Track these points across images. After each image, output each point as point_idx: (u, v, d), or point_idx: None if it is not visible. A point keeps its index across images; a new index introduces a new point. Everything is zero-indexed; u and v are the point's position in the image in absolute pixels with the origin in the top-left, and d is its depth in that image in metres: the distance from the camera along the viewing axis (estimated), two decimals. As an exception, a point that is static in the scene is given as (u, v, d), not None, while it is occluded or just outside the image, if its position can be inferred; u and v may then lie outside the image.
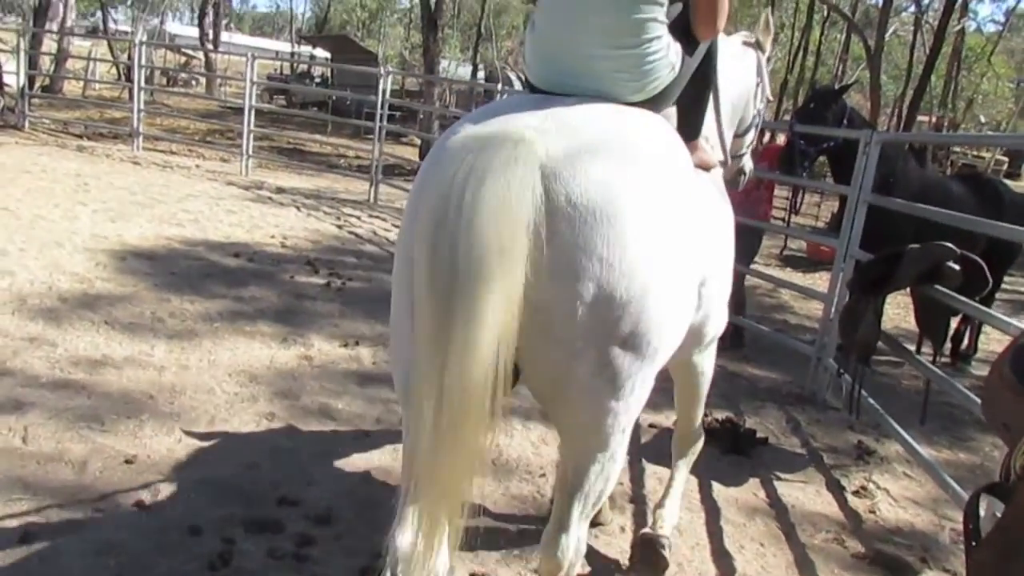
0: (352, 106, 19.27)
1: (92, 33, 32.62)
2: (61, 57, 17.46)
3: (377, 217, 9.14)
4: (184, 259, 5.96)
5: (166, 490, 2.85)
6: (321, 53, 29.76)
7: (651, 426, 4.01)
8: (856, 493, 3.63)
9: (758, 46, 2.98)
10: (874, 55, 19.81)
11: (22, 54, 12.88)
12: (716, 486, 3.46)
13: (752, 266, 6.08)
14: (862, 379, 3.61)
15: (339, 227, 8.22)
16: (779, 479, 3.65)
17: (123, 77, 19.56)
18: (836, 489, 3.64)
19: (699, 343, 2.39)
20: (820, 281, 8.35)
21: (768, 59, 3.09)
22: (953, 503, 3.23)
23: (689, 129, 2.28)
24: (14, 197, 7.09)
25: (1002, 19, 38.13)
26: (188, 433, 3.30)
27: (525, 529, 2.89)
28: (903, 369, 5.45)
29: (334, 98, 21.05)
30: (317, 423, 3.59)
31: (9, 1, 36.33)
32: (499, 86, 10.49)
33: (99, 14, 34.59)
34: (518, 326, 1.45)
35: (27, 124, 12.64)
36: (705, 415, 3.90)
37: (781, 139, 5.86)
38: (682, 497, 2.99)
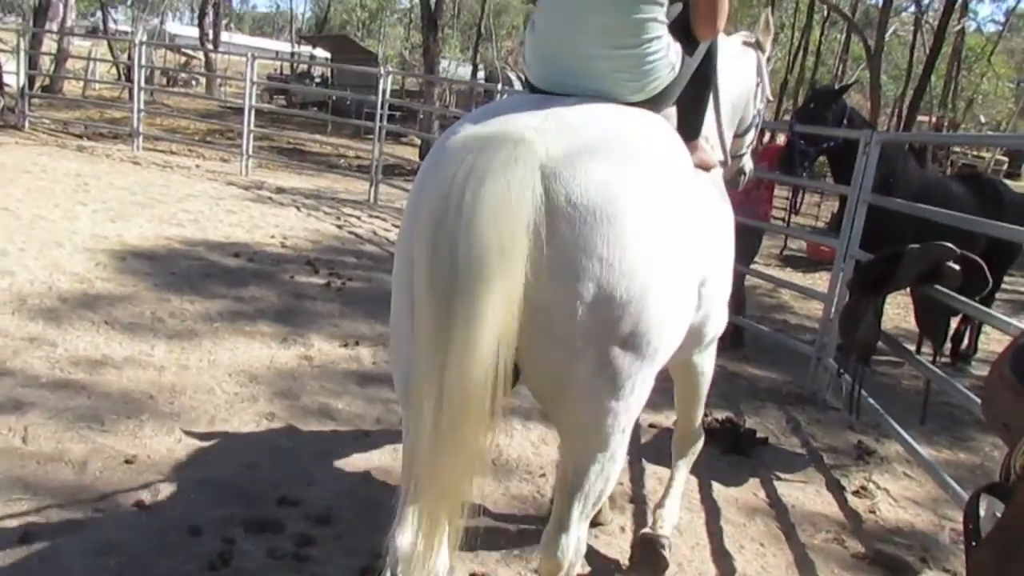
0: (352, 106, 19.28)
1: (92, 33, 32.62)
2: (61, 57, 17.46)
3: (377, 217, 9.14)
4: (184, 259, 5.96)
5: (166, 490, 2.85)
6: (321, 53, 29.77)
7: (651, 426, 4.01)
8: (856, 493, 3.63)
9: (758, 46, 2.98)
10: (874, 55, 19.81)
11: (22, 54, 12.89)
12: (716, 486, 3.46)
13: (752, 266, 6.08)
14: (862, 379, 3.61)
15: (339, 227, 8.22)
16: (779, 479, 3.65)
17: (123, 77, 19.56)
18: (836, 489, 3.64)
19: (699, 343, 2.39)
20: (820, 281, 8.35)
21: (768, 59, 3.09)
22: (953, 503, 3.23)
23: (689, 129, 2.28)
24: (14, 197, 7.09)
25: (1002, 19, 38.15)
26: (188, 433, 3.30)
27: (525, 529, 2.89)
28: (903, 369, 5.45)
29: (334, 98, 21.06)
30: (317, 423, 3.59)
31: (9, 1, 36.31)
32: (499, 86, 10.49)
33: (99, 14, 34.59)
34: (518, 326, 1.45)
35: (27, 124, 12.65)
36: (705, 415, 3.90)
37: (781, 139, 5.85)
38: (682, 497, 2.99)
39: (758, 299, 7.32)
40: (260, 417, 3.55)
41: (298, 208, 8.90)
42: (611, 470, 1.78)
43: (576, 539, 1.80)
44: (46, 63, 17.30)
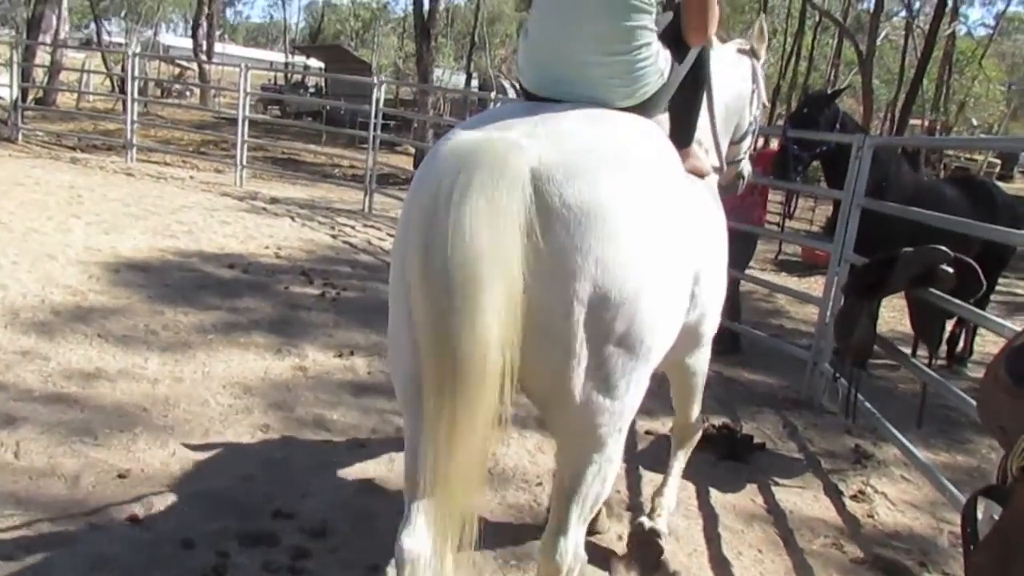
0: (346, 116, 19.30)
1: (86, 45, 32.69)
2: (55, 69, 17.46)
3: (372, 226, 9.13)
4: (178, 271, 5.94)
5: (159, 503, 2.83)
6: (315, 63, 29.80)
7: (647, 433, 4.00)
8: (854, 497, 3.62)
9: (753, 53, 3.01)
10: (866, 60, 19.92)
11: (15, 66, 12.88)
12: (713, 492, 3.45)
13: (747, 271, 6.09)
14: (858, 383, 3.60)
15: (333, 237, 8.21)
16: (776, 484, 3.64)
17: (117, 89, 19.58)
18: (834, 494, 3.63)
19: (694, 344, 2.42)
20: (815, 285, 8.35)
21: (762, 65, 3.11)
22: (951, 506, 3.22)
23: (682, 135, 2.32)
24: (7, 210, 7.07)
25: (992, 23, 38.38)
26: (182, 446, 3.27)
27: (522, 538, 2.87)
28: (899, 372, 5.44)
29: (328, 108, 21.06)
30: (312, 434, 3.57)
31: (2, 13, 36.34)
32: (493, 94, 10.51)
33: (93, 26, 34.66)
34: (517, 327, 1.46)
35: (20, 137, 12.64)
36: (702, 421, 3.92)
37: (774, 144, 5.87)
38: (678, 485, 3.03)
39: (753, 304, 7.32)
40: (254, 429, 3.54)
41: (292, 218, 8.89)
42: (608, 472, 1.79)
43: (575, 543, 1.81)
44: (39, 75, 17.30)
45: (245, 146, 11.24)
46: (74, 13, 29.51)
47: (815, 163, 5.63)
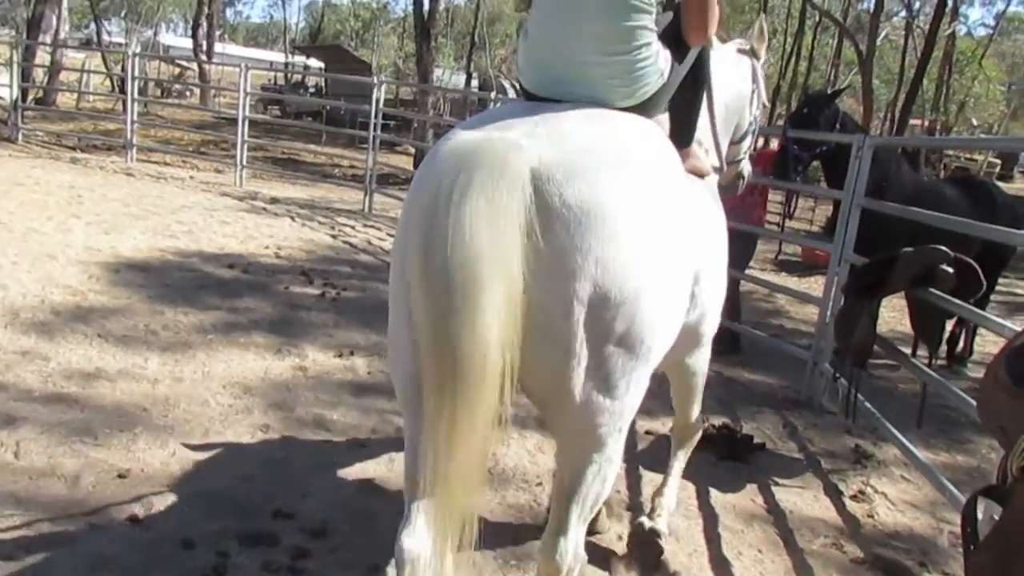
0: (346, 116, 19.30)
1: (86, 45, 32.68)
2: (55, 69, 17.46)
3: (372, 226, 9.13)
4: (178, 271, 5.94)
5: (159, 503, 2.83)
6: (315, 63, 29.80)
7: (647, 433, 4.00)
8: (854, 497, 3.62)
9: (753, 53, 3.01)
10: (866, 60, 19.92)
11: (15, 66, 12.88)
12: (713, 492, 3.45)
13: (747, 271, 6.09)
14: (858, 383, 3.60)
15: (333, 237, 8.21)
16: (776, 484, 3.64)
17: (117, 89, 19.57)
18: (834, 494, 3.63)
19: (695, 344, 2.42)
20: (815, 285, 8.35)
21: (762, 65, 3.11)
22: (951, 506, 3.22)
23: (682, 135, 2.33)
24: (7, 210, 7.07)
25: (992, 23, 38.40)
26: (182, 446, 3.27)
27: (522, 538, 2.87)
28: (900, 372, 5.44)
29: (328, 108, 21.06)
30: (312, 434, 3.57)
31: (2, 13, 36.34)
32: (493, 94, 10.51)
33: (93, 26, 34.66)
34: (517, 327, 1.46)
35: (20, 137, 12.64)
36: (702, 421, 3.91)
37: (774, 144, 5.87)
38: (678, 485, 3.03)
39: (754, 304, 7.32)
40: (254, 429, 3.54)
41: (292, 218, 8.89)
42: (608, 471, 1.79)
43: (575, 543, 1.81)
44: (39, 75, 17.30)
45: (245, 146, 11.24)
46: (74, 13, 29.51)
47: (815, 163, 5.63)
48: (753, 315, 6.77)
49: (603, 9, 1.89)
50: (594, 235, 1.52)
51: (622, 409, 1.70)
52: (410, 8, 21.54)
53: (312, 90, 27.33)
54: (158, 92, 25.51)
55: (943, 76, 28.28)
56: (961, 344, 6.16)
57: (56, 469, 2.97)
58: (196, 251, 6.65)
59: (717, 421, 4.13)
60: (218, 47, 29.85)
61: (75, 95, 19.91)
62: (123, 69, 13.87)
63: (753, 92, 3.00)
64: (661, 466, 3.18)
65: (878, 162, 4.80)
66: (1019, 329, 2.24)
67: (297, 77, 29.05)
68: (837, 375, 4.06)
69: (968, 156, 24.53)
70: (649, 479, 3.48)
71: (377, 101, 10.10)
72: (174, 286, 5.51)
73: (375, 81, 10.51)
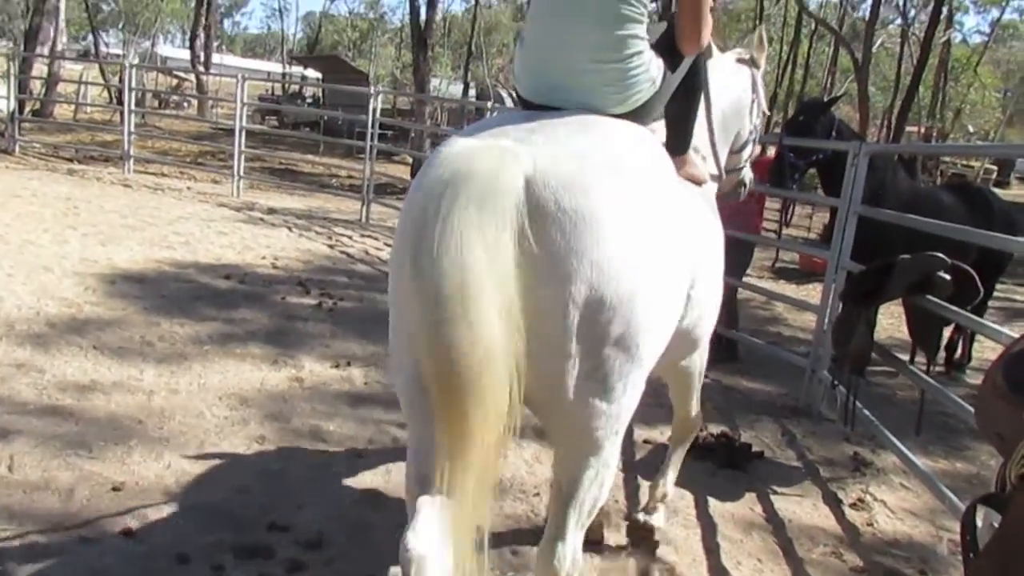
0: (344, 126, 19.31)
1: (83, 57, 32.72)
2: (52, 81, 17.47)
3: (369, 236, 9.13)
4: (174, 282, 5.93)
5: (154, 517, 2.81)
6: (312, 73, 29.86)
7: (645, 442, 3.99)
8: (853, 506, 3.60)
9: (752, 63, 3.03)
10: (862, 67, 19.99)
11: (12, 78, 12.89)
12: (712, 501, 3.43)
13: (745, 279, 6.08)
14: (856, 390, 3.59)
15: (331, 247, 8.20)
16: (775, 493, 3.62)
17: (114, 100, 19.58)
18: (833, 502, 3.62)
19: (691, 347, 2.44)
20: (813, 293, 8.35)
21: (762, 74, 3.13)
22: (950, 514, 3.21)
23: (678, 142, 2.36)
24: (3, 222, 7.06)
25: (987, 30, 38.56)
26: (177, 458, 3.25)
27: (519, 549, 2.85)
28: (898, 380, 5.43)
29: (325, 118, 21.08)
30: (308, 445, 3.55)
31: None
32: (490, 103, 10.52)
33: (90, 38, 34.73)
34: (516, 334, 1.46)
35: (17, 148, 12.63)
36: (700, 430, 3.90)
37: (771, 152, 5.87)
38: (675, 479, 3.07)
39: (751, 312, 7.31)
40: (250, 440, 3.52)
41: (290, 229, 8.89)
42: (605, 476, 1.80)
43: (573, 548, 1.81)
44: (37, 87, 17.31)
45: (242, 157, 11.25)
46: (71, 24, 29.61)
47: (812, 170, 5.64)
48: (751, 323, 6.77)
49: (596, 19, 1.92)
50: (589, 238, 1.53)
51: (619, 412, 1.71)
52: (407, 18, 21.63)
53: (309, 100, 27.36)
54: (155, 103, 25.54)
55: (939, 83, 28.37)
56: (959, 351, 6.15)
57: (50, 482, 2.95)
58: (192, 262, 6.63)
59: (715, 429, 4.12)
60: (216, 58, 29.93)
61: (72, 107, 19.92)
62: (120, 80, 13.87)
63: (753, 101, 3.01)
64: (659, 475, 3.16)
65: (874, 169, 4.81)
66: (1016, 335, 2.24)
67: (294, 87, 29.11)
68: (835, 382, 4.05)
69: (964, 163, 24.62)
70: (647, 489, 3.46)
71: (374, 111, 10.11)
72: (170, 297, 5.49)
73: (372, 91, 10.52)
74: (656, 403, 3.76)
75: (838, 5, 33.05)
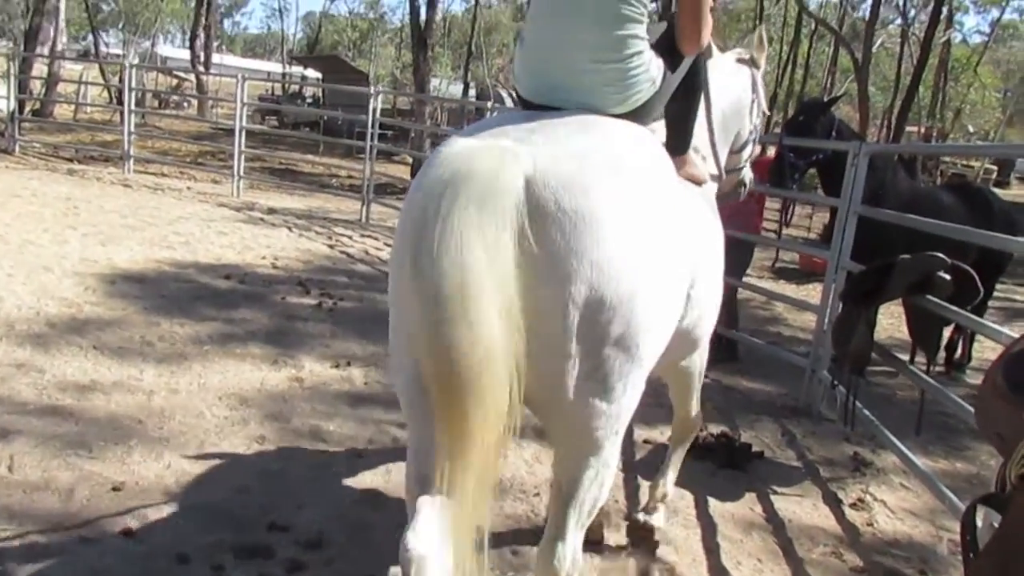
0: (344, 126, 19.31)
1: (84, 57, 32.72)
2: (52, 81, 17.47)
3: (369, 236, 9.13)
4: (174, 282, 5.93)
5: (154, 517, 2.81)
6: (312, 73, 29.85)
7: (645, 442, 3.99)
8: (853, 506, 3.60)
9: (753, 63, 3.03)
10: (862, 67, 19.99)
11: (12, 78, 12.89)
12: (712, 501, 3.43)
13: (744, 279, 6.08)
14: (856, 390, 3.59)
15: (331, 247, 8.20)
16: (775, 493, 3.62)
17: (114, 100, 19.58)
18: (833, 502, 3.62)
19: (691, 346, 2.44)
20: (813, 293, 8.35)
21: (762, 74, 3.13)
22: (951, 514, 3.21)
23: (678, 142, 2.36)
24: (3, 222, 7.06)
25: (987, 30, 38.56)
26: (177, 458, 3.25)
27: (519, 549, 2.85)
28: (898, 379, 5.43)
29: (325, 118, 21.08)
30: (308, 445, 3.55)
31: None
32: (490, 103, 10.52)
33: (90, 38, 34.73)
34: (516, 334, 1.47)
35: (17, 148, 12.64)
36: (700, 430, 3.90)
37: (771, 152, 5.87)
38: (675, 478, 3.07)
39: (751, 312, 7.31)
40: (250, 440, 3.52)
41: (290, 228, 8.89)
42: (605, 475, 1.80)
43: (573, 548, 1.81)
44: (37, 87, 17.31)
45: (242, 157, 11.25)
46: (71, 25, 29.60)
47: (812, 170, 5.63)
48: (751, 323, 6.77)
49: (595, 19, 1.93)
50: (589, 238, 1.53)
51: (619, 412, 1.71)
52: (407, 18, 21.64)
53: (309, 100, 27.36)
54: (156, 103, 25.53)
55: (939, 83, 28.37)
56: (959, 351, 6.15)
57: (50, 482, 2.95)
58: (192, 262, 6.63)
59: (716, 429, 4.12)
60: (216, 58, 29.93)
61: (72, 106, 19.92)
62: (120, 80, 13.86)
63: (753, 101, 3.02)
64: (659, 475, 3.16)
65: (874, 169, 4.81)
66: (1016, 335, 2.23)
67: (294, 87, 29.10)
68: (835, 382, 4.05)
69: (964, 163, 24.60)
70: (647, 488, 3.46)
71: (374, 111, 10.11)
72: (170, 297, 5.49)
73: (372, 91, 10.52)
74: (656, 403, 3.76)
75: (838, 5, 33.06)
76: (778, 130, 6.34)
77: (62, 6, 17.32)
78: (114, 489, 2.95)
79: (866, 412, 3.90)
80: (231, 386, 4.08)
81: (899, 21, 30.49)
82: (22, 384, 3.78)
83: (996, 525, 1.56)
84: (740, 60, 3.02)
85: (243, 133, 11.17)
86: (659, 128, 2.40)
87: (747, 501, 3.51)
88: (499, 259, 1.44)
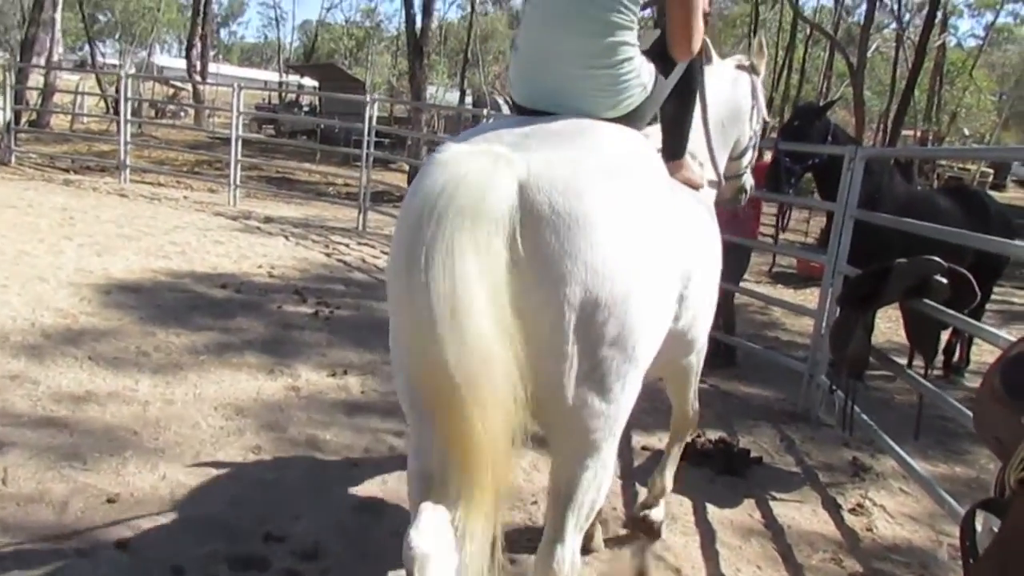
0: (340, 134, 19.33)
1: (80, 67, 32.74)
2: (48, 91, 17.49)
3: (366, 244, 9.12)
4: (170, 291, 5.91)
5: (149, 528, 2.79)
6: (309, 82, 29.91)
7: (643, 448, 3.97)
8: (852, 511, 3.59)
9: (752, 69, 3.04)
10: (857, 72, 20.04)
11: (8, 89, 12.89)
12: (711, 508, 3.41)
13: (742, 284, 6.07)
14: (855, 395, 3.58)
15: (327, 255, 8.19)
16: (774, 499, 3.61)
17: (111, 110, 19.58)
18: (832, 507, 3.60)
19: (688, 346, 2.44)
20: (810, 297, 8.34)
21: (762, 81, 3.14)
22: (950, 518, 3.19)
23: (673, 147, 2.36)
24: (-1, 233, 7.05)
25: (982, 34, 38.70)
26: (172, 469, 3.23)
27: (517, 557, 2.83)
28: (896, 384, 5.42)
29: (322, 126, 21.11)
30: (304, 455, 3.53)
31: (-4, 37, 36.42)
32: (486, 111, 10.52)
33: (87, 48, 34.73)
34: (513, 339, 1.46)
35: (13, 159, 12.63)
36: (698, 435, 3.89)
37: (767, 157, 5.88)
38: (673, 475, 3.06)
39: (749, 316, 7.30)
40: (246, 451, 3.50)
41: (286, 237, 8.88)
42: (603, 477, 1.80)
43: (571, 551, 1.81)
44: (33, 97, 17.32)
45: (239, 165, 11.25)
46: (68, 35, 29.64)
47: (808, 175, 5.64)
48: (748, 328, 6.76)
49: (586, 27, 1.95)
50: (583, 241, 1.54)
51: (617, 412, 1.72)
52: (403, 26, 21.67)
53: (306, 109, 27.41)
54: (152, 113, 25.57)
55: (934, 87, 28.47)
56: (957, 354, 6.14)
57: (44, 494, 2.93)
58: (189, 271, 6.62)
59: (714, 435, 4.10)
60: (212, 67, 29.98)
61: (68, 117, 19.94)
62: (117, 90, 13.86)
63: (752, 107, 3.02)
64: (657, 482, 3.15)
65: (870, 173, 4.81)
66: (1014, 339, 2.23)
67: (291, 96, 29.16)
68: (833, 387, 4.04)
69: (961, 166, 24.66)
70: (645, 495, 3.45)
71: (371, 119, 10.11)
72: (166, 307, 5.48)
73: (369, 99, 10.53)
74: (653, 408, 3.75)
75: (833, 10, 33.18)
76: (774, 135, 6.34)
77: (58, 16, 17.36)
78: (109, 501, 2.93)
79: (864, 417, 3.89)
80: (227, 396, 4.06)
81: (894, 25, 30.61)
82: (16, 395, 3.76)
83: (996, 529, 1.55)
84: (740, 66, 3.04)
85: (239, 142, 11.16)
86: (655, 133, 2.41)
87: (746, 507, 3.49)
88: (492, 264, 1.44)
